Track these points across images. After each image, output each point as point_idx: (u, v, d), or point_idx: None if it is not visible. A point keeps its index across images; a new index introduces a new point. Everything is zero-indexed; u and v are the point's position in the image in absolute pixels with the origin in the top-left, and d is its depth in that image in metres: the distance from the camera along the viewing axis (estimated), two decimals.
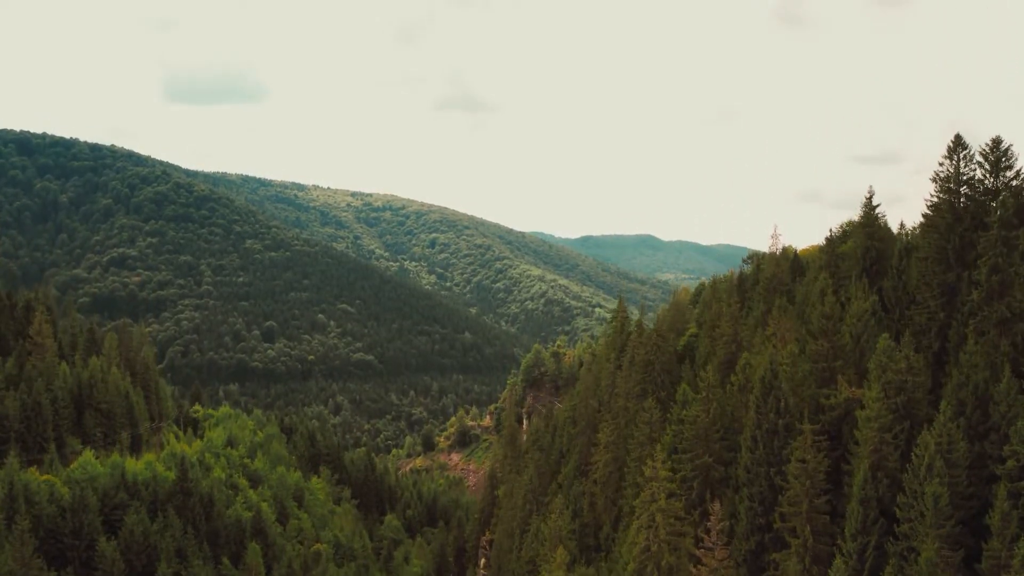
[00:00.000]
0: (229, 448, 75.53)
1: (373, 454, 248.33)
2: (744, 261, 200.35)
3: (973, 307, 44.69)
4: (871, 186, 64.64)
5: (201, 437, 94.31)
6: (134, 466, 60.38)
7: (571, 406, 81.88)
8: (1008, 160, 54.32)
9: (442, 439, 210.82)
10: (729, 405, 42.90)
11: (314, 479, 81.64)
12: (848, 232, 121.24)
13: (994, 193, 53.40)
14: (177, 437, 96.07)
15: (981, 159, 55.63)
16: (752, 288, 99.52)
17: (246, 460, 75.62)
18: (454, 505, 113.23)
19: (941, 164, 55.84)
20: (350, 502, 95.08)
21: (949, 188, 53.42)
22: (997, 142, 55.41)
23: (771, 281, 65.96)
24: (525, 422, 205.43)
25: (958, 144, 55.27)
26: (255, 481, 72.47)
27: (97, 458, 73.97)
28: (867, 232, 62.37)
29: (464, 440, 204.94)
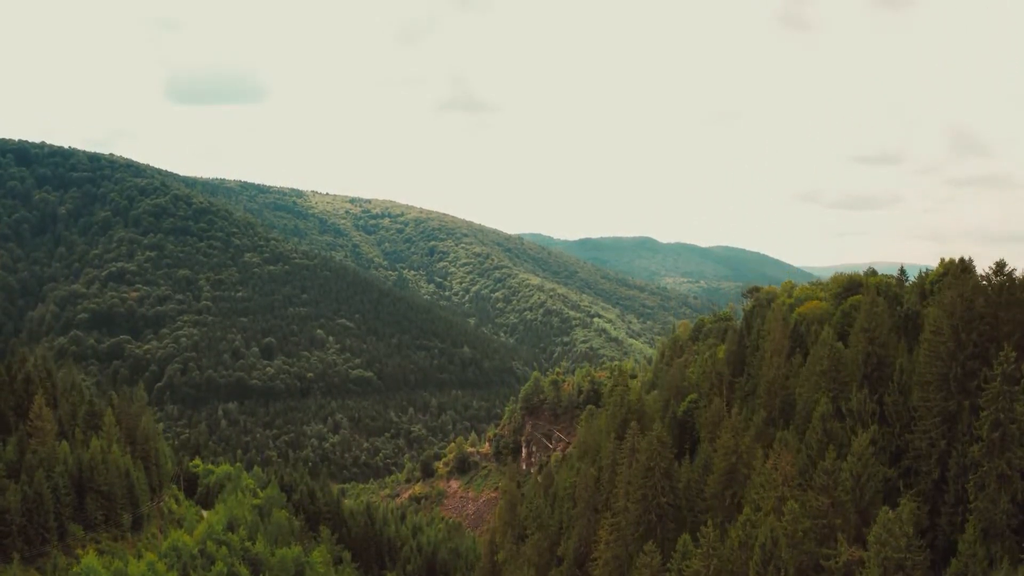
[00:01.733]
0: (229, 533, 75.91)
1: (373, 480, 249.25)
2: (744, 295, 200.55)
3: (974, 461, 44.95)
4: (874, 291, 64.55)
5: (202, 504, 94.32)
6: (136, 569, 60.63)
7: (571, 483, 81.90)
8: (1011, 286, 54.51)
9: (441, 465, 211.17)
10: (729, 562, 43.16)
11: (314, 553, 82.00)
12: (850, 287, 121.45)
13: (996, 321, 53.57)
14: (177, 501, 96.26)
15: (984, 283, 55.85)
16: (752, 355, 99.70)
17: (247, 544, 75.89)
18: (454, 556, 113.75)
19: (947, 287, 56.02)
20: (351, 564, 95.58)
21: (952, 313, 53.58)
22: (1000, 266, 55.57)
23: (772, 384, 65.71)
24: (524, 450, 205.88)
25: (963, 270, 55.38)
26: (256, 566, 72.76)
27: (99, 544, 74.19)
28: (868, 337, 62.38)
29: (463, 467, 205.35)
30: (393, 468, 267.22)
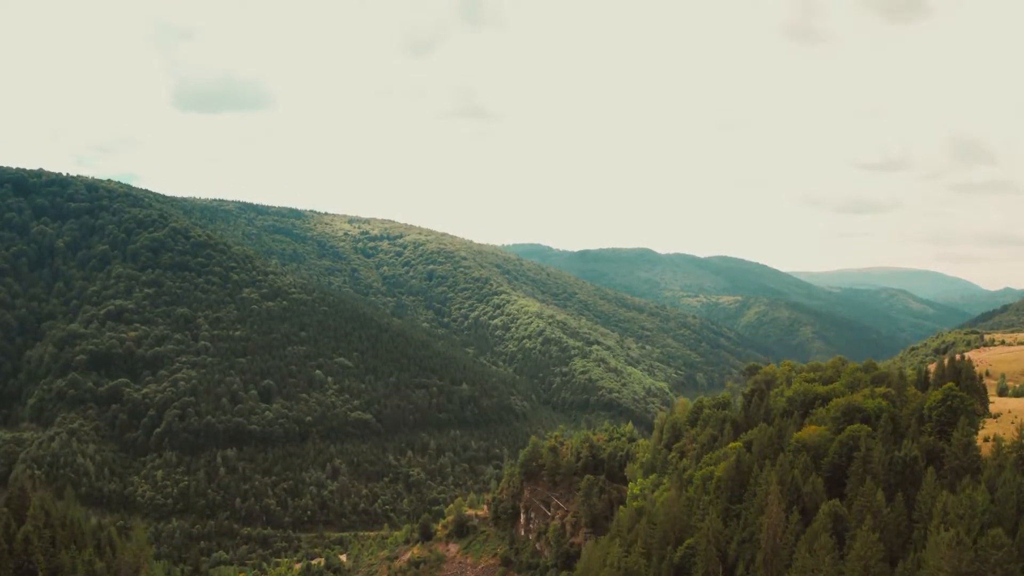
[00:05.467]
0: None
1: (372, 528, 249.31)
2: (743, 372, 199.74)
3: None
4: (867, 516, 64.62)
5: None
6: None
7: None
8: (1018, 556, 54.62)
9: (440, 527, 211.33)
10: None
11: None
12: (849, 412, 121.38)
13: None
14: None
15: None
16: (751, 492, 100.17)
17: None
18: None
19: (944, 555, 56.05)
20: None
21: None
22: (996, 537, 55.60)
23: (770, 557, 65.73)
24: (523, 515, 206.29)
25: (958, 542, 55.44)
26: None
27: None
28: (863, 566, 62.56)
29: (462, 531, 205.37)
30: (392, 515, 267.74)
